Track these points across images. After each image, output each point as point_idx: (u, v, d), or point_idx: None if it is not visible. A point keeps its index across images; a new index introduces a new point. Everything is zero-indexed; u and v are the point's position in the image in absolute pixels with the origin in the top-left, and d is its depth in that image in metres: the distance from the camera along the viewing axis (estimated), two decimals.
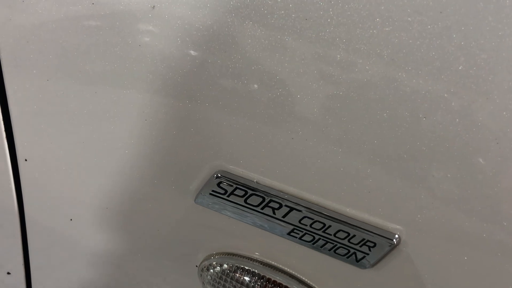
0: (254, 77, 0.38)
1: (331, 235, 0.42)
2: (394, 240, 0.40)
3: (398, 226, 0.40)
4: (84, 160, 0.48)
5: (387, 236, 0.40)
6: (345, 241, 0.41)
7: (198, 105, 0.41)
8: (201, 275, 0.53)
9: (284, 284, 0.49)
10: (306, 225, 0.42)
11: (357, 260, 0.42)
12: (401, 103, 0.35)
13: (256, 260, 0.49)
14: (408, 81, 0.34)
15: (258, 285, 0.49)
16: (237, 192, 0.43)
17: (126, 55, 0.41)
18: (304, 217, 0.42)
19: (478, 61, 0.33)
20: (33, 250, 0.61)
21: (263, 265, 0.49)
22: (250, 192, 0.43)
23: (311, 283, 0.49)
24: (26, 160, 0.50)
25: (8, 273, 0.64)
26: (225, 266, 0.50)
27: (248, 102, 0.39)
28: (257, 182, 0.42)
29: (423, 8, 0.33)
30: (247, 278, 0.50)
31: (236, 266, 0.50)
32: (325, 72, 0.36)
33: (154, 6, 0.39)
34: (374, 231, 0.40)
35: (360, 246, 0.41)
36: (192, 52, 0.39)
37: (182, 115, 0.42)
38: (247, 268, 0.50)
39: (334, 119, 0.37)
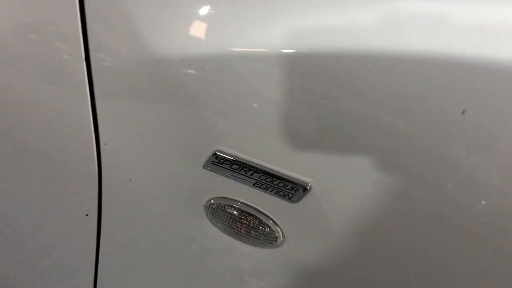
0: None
1: (275, 184, 0.61)
2: (308, 186, 0.61)
3: (310, 179, 0.60)
4: (145, 145, 0.63)
5: (303, 184, 0.61)
6: (283, 188, 0.61)
7: (199, 109, 0.57)
8: (205, 211, 0.70)
9: (253, 214, 0.67)
10: (263, 180, 0.62)
11: (290, 198, 0.62)
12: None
13: (239, 201, 0.67)
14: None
15: (241, 215, 0.66)
16: (226, 162, 0.62)
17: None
18: (261, 175, 0.61)
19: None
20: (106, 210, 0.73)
21: (242, 204, 0.67)
22: (233, 162, 0.61)
23: (268, 214, 0.67)
24: (105, 144, 0.62)
25: (87, 214, 0.75)
26: (220, 204, 0.67)
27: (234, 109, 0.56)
28: (236, 156, 0.60)
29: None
30: (235, 212, 0.67)
31: (227, 204, 0.67)
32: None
33: (183, 60, 0.53)
34: (296, 181, 0.60)
35: (290, 190, 0.61)
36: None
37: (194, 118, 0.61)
38: (233, 205, 0.67)
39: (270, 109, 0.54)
